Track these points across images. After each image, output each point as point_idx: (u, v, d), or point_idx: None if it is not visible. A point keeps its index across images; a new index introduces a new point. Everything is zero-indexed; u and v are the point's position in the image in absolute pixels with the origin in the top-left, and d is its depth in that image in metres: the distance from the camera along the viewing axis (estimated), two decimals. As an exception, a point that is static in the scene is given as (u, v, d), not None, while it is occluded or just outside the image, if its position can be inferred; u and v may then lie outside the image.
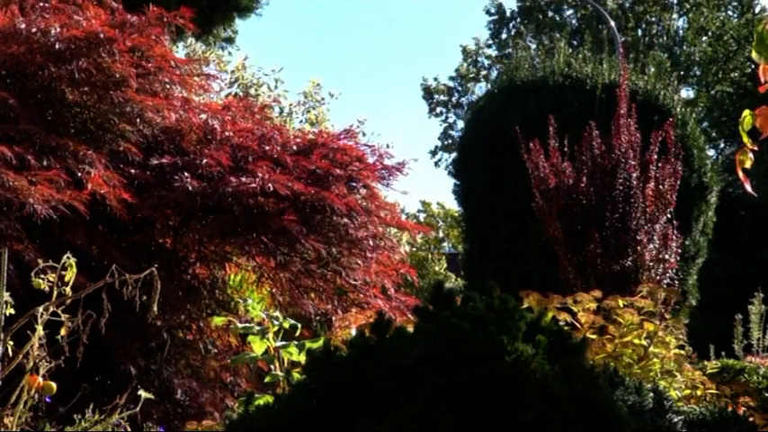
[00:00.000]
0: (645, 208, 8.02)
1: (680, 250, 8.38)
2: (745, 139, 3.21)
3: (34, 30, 5.39)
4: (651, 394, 3.44)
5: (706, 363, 6.72)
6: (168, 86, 5.81)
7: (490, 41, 33.74)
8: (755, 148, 3.26)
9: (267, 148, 5.85)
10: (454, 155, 20.47)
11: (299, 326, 4.66)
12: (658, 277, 7.87)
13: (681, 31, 31.47)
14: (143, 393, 4.22)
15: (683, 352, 5.55)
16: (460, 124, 32.07)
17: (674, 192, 8.20)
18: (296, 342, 4.33)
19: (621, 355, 5.09)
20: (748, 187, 3.49)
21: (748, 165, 3.28)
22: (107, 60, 5.40)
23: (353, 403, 2.59)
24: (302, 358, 4.12)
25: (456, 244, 23.58)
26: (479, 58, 34.08)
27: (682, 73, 28.60)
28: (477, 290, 2.86)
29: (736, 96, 28.55)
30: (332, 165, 5.89)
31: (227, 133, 5.90)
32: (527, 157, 8.32)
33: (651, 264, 7.86)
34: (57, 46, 5.32)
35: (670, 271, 8.04)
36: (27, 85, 5.44)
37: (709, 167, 12.49)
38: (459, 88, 33.91)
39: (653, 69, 13.60)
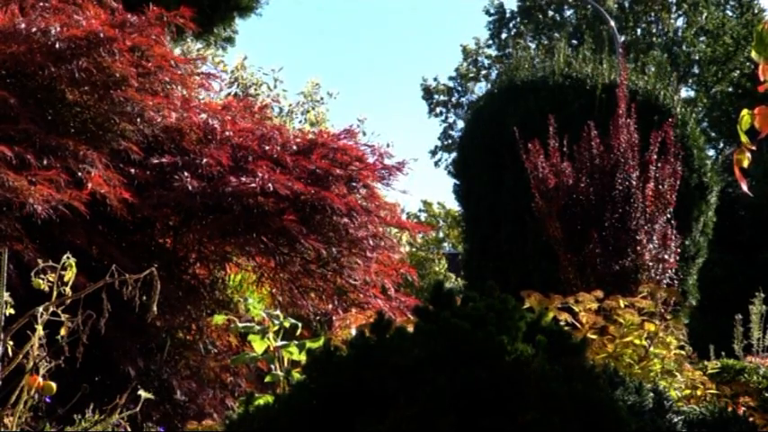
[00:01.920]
0: (644, 208, 8.02)
1: (679, 250, 8.38)
2: (743, 138, 3.21)
3: (34, 29, 5.39)
4: (651, 394, 3.44)
5: (706, 363, 6.72)
6: (168, 86, 5.81)
7: (490, 41, 33.76)
8: (753, 148, 3.25)
9: (267, 147, 5.85)
10: (454, 155, 20.48)
11: (300, 325, 4.66)
12: (658, 277, 7.87)
13: (680, 32, 31.48)
14: (143, 393, 4.22)
15: (683, 352, 5.56)
16: (460, 124, 32.10)
17: (673, 192, 8.20)
18: (296, 342, 4.33)
19: (622, 356, 5.09)
20: (744, 187, 3.49)
21: (746, 164, 3.28)
22: (107, 60, 5.40)
23: (353, 403, 2.59)
24: (302, 358, 4.12)
25: (456, 244, 23.58)
26: (479, 58, 34.09)
27: (681, 73, 28.60)
28: (477, 290, 2.86)
29: (735, 96, 28.55)
30: (332, 165, 5.89)
31: (227, 133, 5.90)
32: (526, 157, 8.32)
33: (651, 264, 7.86)
34: (57, 45, 5.32)
35: (670, 271, 8.04)
36: (27, 84, 5.44)
37: (709, 167, 12.48)
38: (460, 88, 33.93)
39: (653, 69, 13.59)
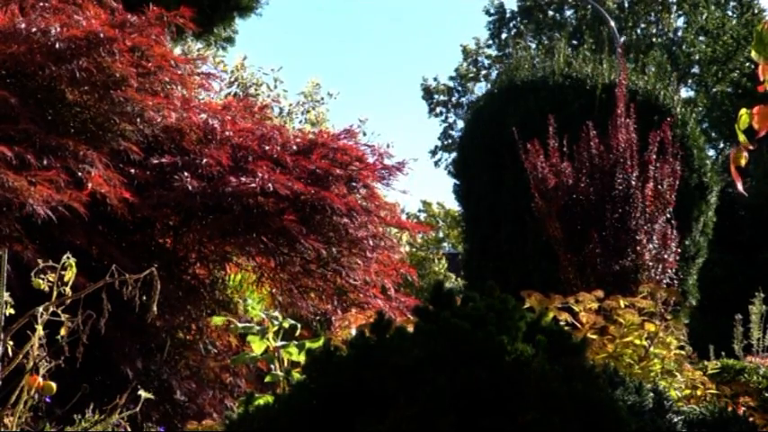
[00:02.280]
0: (644, 208, 8.02)
1: (679, 250, 8.38)
2: (741, 137, 3.21)
3: (34, 29, 5.39)
4: (651, 394, 3.44)
5: (706, 363, 6.72)
6: (168, 86, 5.81)
7: (490, 41, 33.76)
8: (752, 147, 3.25)
9: (267, 147, 5.85)
10: (454, 155, 20.49)
11: (299, 326, 4.66)
12: (658, 277, 7.87)
13: (680, 32, 31.49)
14: (143, 393, 4.22)
15: (683, 352, 5.56)
16: (460, 124, 32.09)
17: (673, 191, 8.21)
18: (296, 342, 4.33)
19: (622, 356, 5.09)
20: (740, 186, 3.49)
21: (743, 163, 3.28)
22: (107, 60, 5.40)
23: (353, 403, 2.59)
24: (302, 358, 4.12)
25: (456, 244, 23.58)
26: (479, 58, 34.09)
27: (681, 73, 28.61)
28: (477, 290, 2.86)
29: (735, 96, 28.55)
30: (332, 165, 5.89)
31: (227, 133, 5.90)
32: (525, 157, 8.32)
33: (651, 263, 7.86)
34: (57, 45, 5.32)
35: (669, 271, 8.04)
36: (27, 84, 5.44)
37: (709, 167, 12.48)
38: (460, 88, 33.92)
39: (653, 69, 13.57)
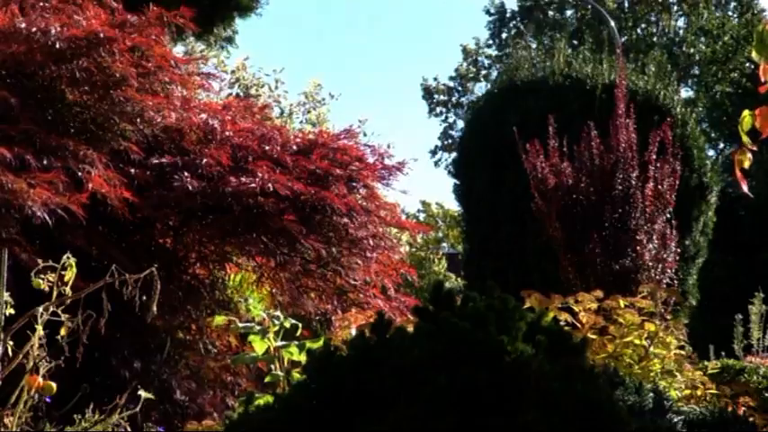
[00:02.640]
0: (644, 208, 8.02)
1: (679, 250, 8.37)
2: (745, 139, 3.21)
3: (34, 29, 5.39)
4: (651, 394, 3.44)
5: (706, 363, 6.72)
6: (168, 86, 5.81)
7: (490, 41, 33.76)
8: (754, 148, 3.26)
9: (267, 147, 5.86)
10: (454, 155, 20.49)
11: (300, 325, 4.66)
12: (658, 277, 7.86)
13: (680, 32, 31.50)
14: (143, 393, 4.22)
15: (683, 352, 5.56)
16: (460, 124, 32.06)
17: (672, 191, 8.20)
18: (296, 342, 4.34)
19: (622, 356, 5.09)
20: (745, 187, 3.49)
21: (746, 165, 3.28)
22: (107, 60, 5.40)
23: (353, 403, 2.59)
24: (303, 358, 4.12)
25: (456, 244, 23.57)
26: (479, 58, 34.09)
27: (681, 73, 28.61)
28: (477, 290, 2.86)
29: (735, 96, 28.56)
30: (332, 165, 5.89)
31: (227, 133, 5.90)
32: (525, 157, 8.32)
33: (650, 263, 7.86)
34: (57, 45, 5.32)
35: (669, 271, 8.03)
36: (27, 84, 5.44)
37: (709, 167, 12.47)
38: (460, 88, 33.92)
39: (653, 69, 13.54)
